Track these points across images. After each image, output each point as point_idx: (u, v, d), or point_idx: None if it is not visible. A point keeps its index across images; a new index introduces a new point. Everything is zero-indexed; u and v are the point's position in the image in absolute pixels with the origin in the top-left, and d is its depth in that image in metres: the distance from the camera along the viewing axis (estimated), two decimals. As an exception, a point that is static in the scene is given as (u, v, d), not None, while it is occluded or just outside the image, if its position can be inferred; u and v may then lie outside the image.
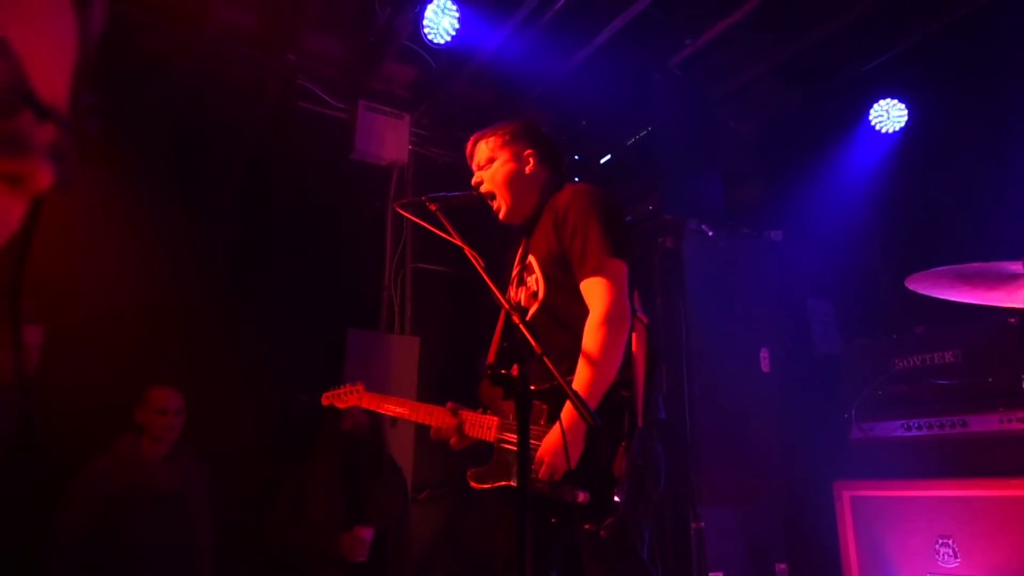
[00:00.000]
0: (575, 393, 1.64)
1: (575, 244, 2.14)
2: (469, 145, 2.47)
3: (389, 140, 4.56)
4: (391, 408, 2.49)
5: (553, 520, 2.01)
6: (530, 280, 2.30)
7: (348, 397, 2.70)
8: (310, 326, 4.20)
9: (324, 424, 3.61)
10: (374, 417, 3.69)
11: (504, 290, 1.89)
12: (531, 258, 2.31)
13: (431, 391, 4.13)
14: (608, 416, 1.99)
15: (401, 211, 2.29)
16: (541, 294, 2.24)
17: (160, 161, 3.93)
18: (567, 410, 1.96)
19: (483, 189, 2.38)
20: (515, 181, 2.36)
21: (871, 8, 3.78)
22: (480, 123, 2.54)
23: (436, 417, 2.30)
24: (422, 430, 4.33)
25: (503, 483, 2.12)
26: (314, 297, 4.28)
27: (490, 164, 2.38)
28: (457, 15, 3.94)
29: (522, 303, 2.30)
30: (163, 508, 3.21)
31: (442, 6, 3.92)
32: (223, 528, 3.45)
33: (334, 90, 4.55)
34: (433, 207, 2.17)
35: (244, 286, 4.09)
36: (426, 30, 3.95)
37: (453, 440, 2.25)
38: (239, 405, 3.80)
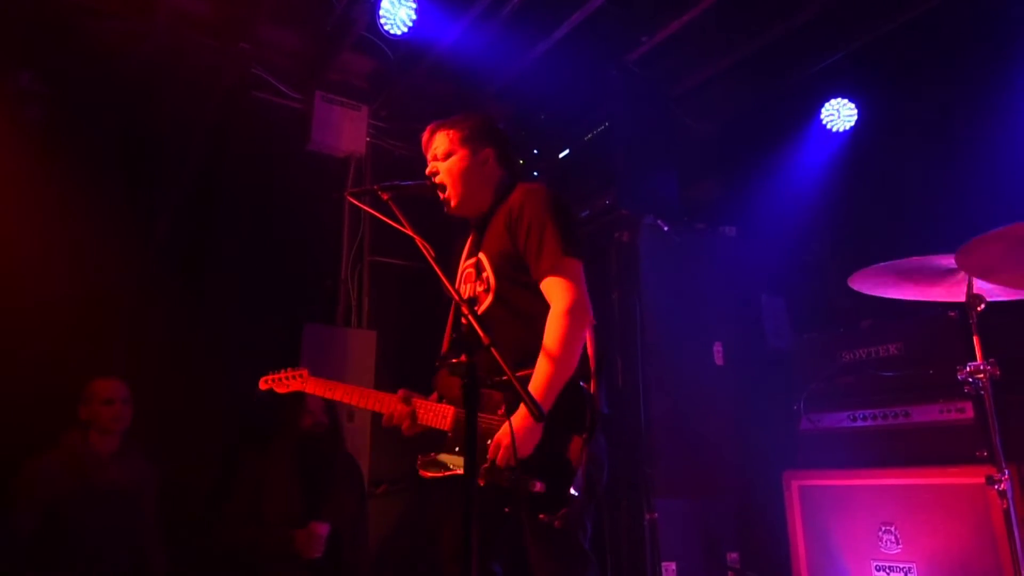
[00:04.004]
0: (523, 386, 1.66)
1: (531, 244, 2.18)
2: (426, 134, 2.46)
3: (347, 131, 4.51)
4: (338, 394, 2.43)
5: (507, 510, 2.02)
6: (482, 277, 2.31)
7: (290, 383, 2.58)
8: (265, 320, 4.14)
9: (281, 421, 3.56)
10: (333, 415, 3.66)
11: (455, 284, 1.90)
12: (482, 255, 2.33)
13: (388, 386, 4.10)
14: (570, 408, 2.02)
15: (353, 200, 2.28)
16: (493, 290, 2.25)
17: (110, 151, 3.84)
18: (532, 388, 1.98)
19: (437, 180, 2.38)
20: (471, 178, 2.37)
21: (824, 8, 3.86)
22: (440, 116, 2.53)
23: (386, 404, 2.30)
24: (379, 425, 4.32)
25: (456, 472, 2.12)
26: (269, 291, 4.21)
27: (447, 157, 2.38)
28: (414, 6, 3.92)
29: (476, 299, 2.31)
30: (115, 506, 3.13)
31: (398, -4, 3.89)
32: (176, 526, 3.38)
33: (290, 80, 4.48)
34: (385, 196, 2.16)
35: (197, 279, 4.01)
36: (383, 21, 3.92)
37: (405, 426, 2.25)
38: (192, 401, 3.73)
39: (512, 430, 1.90)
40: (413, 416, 2.24)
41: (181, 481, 3.50)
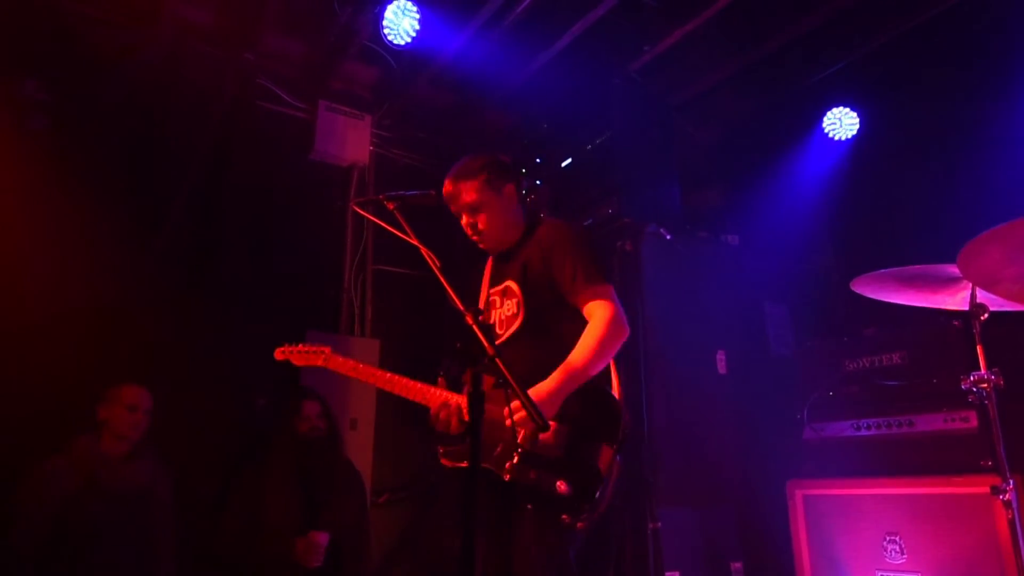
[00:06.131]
0: (526, 396, 1.67)
1: (566, 272, 2.33)
2: (448, 187, 2.52)
3: (350, 141, 4.53)
4: (363, 374, 2.44)
5: (529, 507, 2.08)
6: (509, 303, 2.43)
7: (310, 356, 2.55)
8: (268, 328, 4.13)
9: (279, 427, 3.56)
10: (331, 420, 3.65)
11: (459, 290, 1.92)
12: (510, 283, 2.44)
13: (391, 395, 4.10)
14: (604, 416, 2.15)
15: (358, 210, 2.31)
16: (522, 315, 2.37)
17: (115, 159, 3.85)
18: (557, 374, 2.13)
19: (480, 231, 2.49)
20: (506, 219, 2.52)
21: (825, 18, 3.88)
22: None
23: (415, 393, 2.35)
24: (382, 433, 4.32)
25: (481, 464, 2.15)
26: (273, 299, 4.22)
27: (474, 206, 2.47)
28: (417, 16, 3.94)
29: (497, 327, 2.43)
30: (124, 508, 3.13)
31: (402, 7, 3.91)
32: (179, 533, 3.38)
33: (294, 90, 4.50)
34: (391, 206, 2.19)
35: (201, 287, 4.01)
36: (386, 31, 3.95)
37: (453, 424, 2.23)
38: (195, 409, 3.73)
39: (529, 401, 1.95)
40: (460, 413, 2.23)
41: (184, 489, 3.49)
